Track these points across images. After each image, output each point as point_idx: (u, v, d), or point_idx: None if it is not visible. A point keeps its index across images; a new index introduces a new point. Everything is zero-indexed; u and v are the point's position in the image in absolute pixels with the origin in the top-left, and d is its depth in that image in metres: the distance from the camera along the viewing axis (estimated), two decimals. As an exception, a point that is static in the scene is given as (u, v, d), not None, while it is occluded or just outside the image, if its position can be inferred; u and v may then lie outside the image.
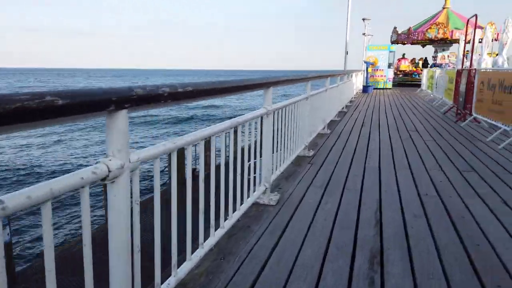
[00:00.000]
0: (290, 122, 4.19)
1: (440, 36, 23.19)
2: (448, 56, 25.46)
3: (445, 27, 23.12)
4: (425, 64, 26.12)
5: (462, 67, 10.60)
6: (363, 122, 8.69)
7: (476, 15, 8.70)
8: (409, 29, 25.12)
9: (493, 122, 6.73)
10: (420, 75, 22.43)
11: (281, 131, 3.83)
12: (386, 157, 5.20)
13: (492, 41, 19.02)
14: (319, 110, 6.53)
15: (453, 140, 6.40)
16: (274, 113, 3.38)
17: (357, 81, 18.73)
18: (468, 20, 10.09)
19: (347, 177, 4.25)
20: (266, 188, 3.42)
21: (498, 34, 22.80)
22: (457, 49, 19.17)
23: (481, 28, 23.85)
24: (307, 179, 4.14)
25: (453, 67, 21.58)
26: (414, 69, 25.38)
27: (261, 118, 3.17)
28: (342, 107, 11.24)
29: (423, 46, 29.51)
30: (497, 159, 5.09)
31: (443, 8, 25.82)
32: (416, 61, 27.03)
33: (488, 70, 7.33)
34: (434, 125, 8.27)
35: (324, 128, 7.37)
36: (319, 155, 5.40)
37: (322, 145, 6.07)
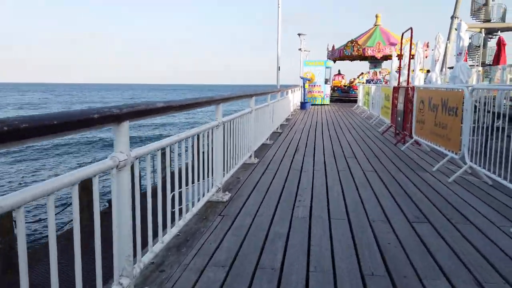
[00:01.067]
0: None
1: (355, 53, 23.67)
2: (380, 72, 26.00)
3: (358, 44, 23.61)
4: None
5: (398, 83, 10.09)
6: (297, 147, 7.66)
7: (411, 28, 8.14)
8: (332, 47, 25.38)
9: (437, 147, 5.98)
10: (357, 90, 22.47)
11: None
12: (320, 200, 4.09)
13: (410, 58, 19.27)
14: (244, 135, 5.37)
15: (395, 171, 5.51)
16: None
17: (294, 98, 18.08)
18: (402, 34, 9.60)
19: (265, 241, 3.03)
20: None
21: (426, 50, 23.62)
22: (390, 66, 19.35)
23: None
24: (207, 251, 2.85)
25: (384, 83, 21.88)
26: (348, 84, 25.54)
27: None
28: (277, 127, 10.24)
29: (360, 61, 30.10)
30: (450, 198, 4.20)
31: (374, 25, 26.47)
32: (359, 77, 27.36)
33: (429, 88, 6.65)
34: (373, 148, 7.45)
35: (250, 156, 6.19)
36: (236, 199, 4.16)
37: (244, 182, 4.85)
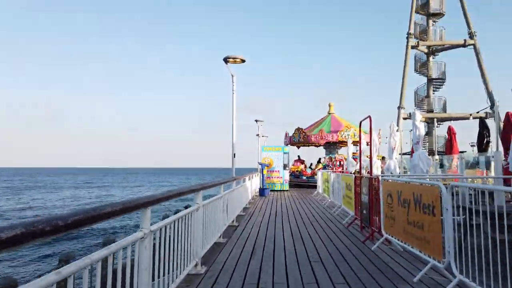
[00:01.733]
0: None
1: (301, 140, 24.31)
2: (335, 158, 26.30)
3: (304, 132, 24.39)
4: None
5: (360, 172, 9.62)
6: (254, 247, 6.60)
7: (369, 117, 7.89)
8: (300, 131, 25.79)
9: (413, 251, 5.18)
10: (316, 176, 22.23)
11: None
12: None
13: (366, 144, 19.54)
14: (187, 239, 4.32)
15: (370, 283, 4.56)
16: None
17: (253, 184, 17.32)
18: (360, 123, 9.39)
19: None
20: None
21: (380, 138, 24.39)
22: (345, 152, 19.45)
23: (364, 132, 25.61)
24: None
25: (341, 170, 21.88)
26: (308, 169, 25.44)
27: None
28: (233, 220, 9.18)
29: (316, 147, 30.61)
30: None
31: (329, 113, 27.48)
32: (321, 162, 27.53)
33: (397, 180, 6.06)
34: (340, 248, 6.54)
35: (196, 265, 5.05)
36: None
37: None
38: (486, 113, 30.30)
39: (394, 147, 11.92)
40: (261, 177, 19.05)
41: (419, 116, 9.27)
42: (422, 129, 9.18)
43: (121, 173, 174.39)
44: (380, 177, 6.70)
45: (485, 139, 14.52)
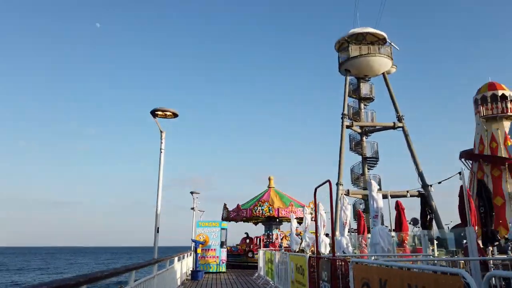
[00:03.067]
0: None
1: (266, 213, 22.70)
2: (278, 235, 24.66)
3: (270, 204, 22.92)
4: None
5: (317, 252, 8.03)
6: None
7: (329, 182, 6.63)
8: (237, 206, 24.11)
9: None
10: (256, 255, 20.20)
11: None
12: None
13: (311, 220, 18.33)
14: None
15: None
16: None
17: (184, 265, 14.89)
18: (315, 190, 8.09)
19: None
20: None
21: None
22: (289, 228, 18.00)
23: (303, 206, 24.60)
24: None
25: (282, 248, 20.19)
26: (245, 248, 23.32)
27: None
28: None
29: (255, 224, 28.82)
30: None
31: (268, 187, 26.41)
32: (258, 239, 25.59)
33: (380, 264, 4.56)
34: None
35: None
36: None
37: None
38: (419, 191, 31.33)
39: (346, 222, 10.75)
40: (194, 257, 16.63)
41: (376, 186, 8.29)
42: (380, 200, 8.13)
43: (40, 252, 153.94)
44: (350, 259, 5.17)
45: (428, 216, 14.04)
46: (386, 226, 8.80)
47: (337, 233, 12.25)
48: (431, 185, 31.85)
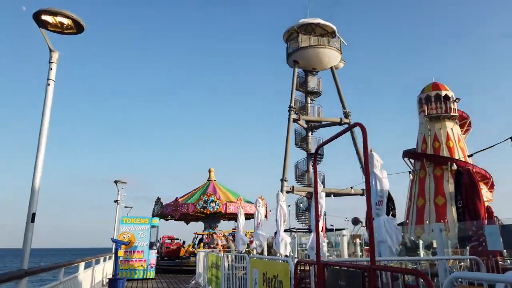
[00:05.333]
0: None
1: (213, 209, 19.59)
2: (215, 234, 21.70)
3: (218, 199, 19.89)
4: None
5: (317, 255, 5.27)
6: None
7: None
8: (175, 200, 20.71)
9: None
10: (194, 258, 17.14)
11: None
12: None
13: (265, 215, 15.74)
14: None
15: None
16: None
17: (99, 272, 11.43)
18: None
19: None
20: None
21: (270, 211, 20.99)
22: (226, 227, 15.23)
23: (251, 203, 21.98)
24: None
25: (222, 248, 17.36)
26: (184, 249, 20.04)
27: None
28: None
29: (187, 222, 25.59)
30: None
31: (209, 180, 23.42)
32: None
33: None
34: None
35: None
36: None
37: None
38: (363, 189, 30.38)
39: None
40: (115, 261, 13.08)
41: (379, 160, 5.83)
42: (385, 180, 5.67)
43: None
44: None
45: (391, 212, 12.22)
46: (392, 217, 6.36)
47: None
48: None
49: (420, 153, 30.64)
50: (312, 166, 29.38)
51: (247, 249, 14.95)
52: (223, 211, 19.50)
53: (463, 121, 30.89)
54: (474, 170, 26.28)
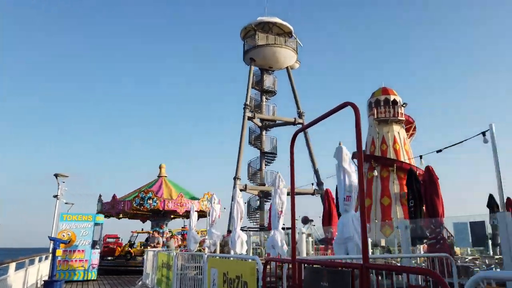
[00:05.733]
0: None
1: (151, 206, 18.68)
2: (157, 232, 20.65)
3: (155, 195, 19.04)
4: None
5: (293, 252, 4.82)
6: None
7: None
8: (113, 197, 19.54)
9: None
10: (139, 258, 16.16)
11: None
12: None
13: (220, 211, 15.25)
14: None
15: None
16: None
17: (34, 274, 10.29)
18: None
19: None
20: None
21: (225, 209, 20.47)
22: (178, 225, 14.57)
23: (196, 199, 21.25)
24: None
25: (168, 249, 16.63)
26: (130, 249, 18.89)
27: None
28: None
29: (143, 221, 24.35)
30: None
31: (159, 177, 22.39)
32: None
33: None
34: None
35: None
36: None
37: None
38: (314, 189, 30.84)
39: (281, 212, 7.93)
40: (52, 261, 11.88)
41: (347, 152, 5.59)
42: (355, 178, 5.43)
43: None
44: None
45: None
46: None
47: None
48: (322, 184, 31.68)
49: (368, 155, 31.68)
50: (265, 165, 29.06)
51: (198, 248, 14.34)
52: (161, 208, 18.66)
53: (409, 125, 32.38)
54: (418, 172, 27.59)
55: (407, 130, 32.57)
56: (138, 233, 21.60)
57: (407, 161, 29.68)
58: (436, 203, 7.08)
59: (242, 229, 28.66)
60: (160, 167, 22.72)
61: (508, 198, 10.80)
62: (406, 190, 28.89)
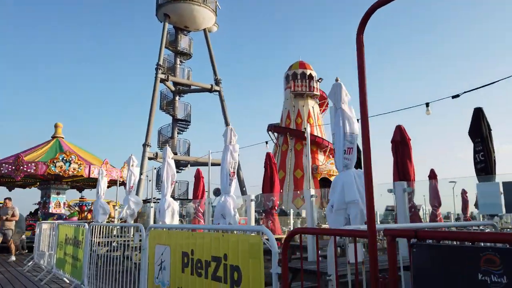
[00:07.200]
0: None
1: (75, 171, 15.38)
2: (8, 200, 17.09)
3: (80, 160, 15.84)
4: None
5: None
6: None
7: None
8: (17, 157, 15.67)
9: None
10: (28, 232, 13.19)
11: None
12: None
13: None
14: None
15: None
16: None
17: None
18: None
19: None
20: None
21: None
22: (95, 193, 12.18)
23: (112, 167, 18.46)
24: None
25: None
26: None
27: None
28: None
29: (10, 189, 20.28)
30: None
31: (54, 137, 18.79)
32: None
33: None
34: None
35: None
36: None
37: None
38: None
39: (233, 174, 6.41)
40: None
41: (346, 92, 4.29)
42: (356, 125, 4.18)
43: None
44: None
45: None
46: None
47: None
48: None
49: (283, 128, 31.66)
50: (178, 133, 26.91)
51: (107, 220, 12.13)
52: (85, 175, 15.59)
53: (323, 101, 33.07)
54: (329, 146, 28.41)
55: (320, 106, 33.28)
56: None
57: (319, 136, 30.38)
58: (408, 166, 6.36)
59: (148, 200, 26.15)
60: (55, 126, 19.07)
61: None
62: (318, 164, 29.36)
